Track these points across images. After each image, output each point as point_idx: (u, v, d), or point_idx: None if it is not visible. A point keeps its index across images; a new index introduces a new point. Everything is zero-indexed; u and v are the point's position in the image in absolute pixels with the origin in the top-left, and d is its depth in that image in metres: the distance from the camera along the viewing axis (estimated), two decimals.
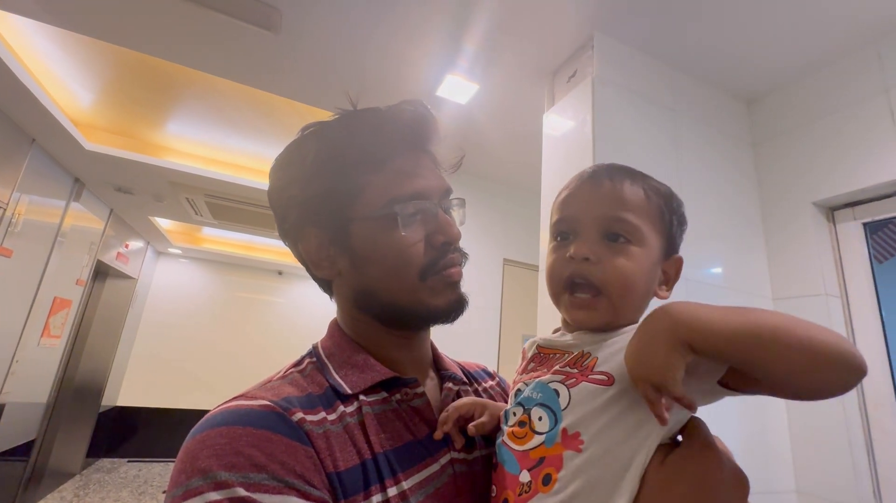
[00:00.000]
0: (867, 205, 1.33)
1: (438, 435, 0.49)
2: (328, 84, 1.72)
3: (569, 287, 0.50)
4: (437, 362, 0.60)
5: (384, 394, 0.49)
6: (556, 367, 0.47)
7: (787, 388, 0.39)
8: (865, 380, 1.23)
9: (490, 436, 0.53)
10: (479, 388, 0.62)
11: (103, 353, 3.89)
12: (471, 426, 0.51)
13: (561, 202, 0.55)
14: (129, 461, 4.17)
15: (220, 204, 2.85)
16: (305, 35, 1.47)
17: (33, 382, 2.74)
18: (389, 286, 0.51)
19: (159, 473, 3.92)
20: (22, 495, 2.82)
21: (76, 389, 3.67)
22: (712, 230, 1.40)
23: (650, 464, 0.40)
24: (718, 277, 1.38)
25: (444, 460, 0.48)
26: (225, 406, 0.42)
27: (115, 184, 2.73)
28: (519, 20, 1.36)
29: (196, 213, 3.10)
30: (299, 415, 0.41)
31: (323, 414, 0.44)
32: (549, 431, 0.44)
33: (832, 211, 1.40)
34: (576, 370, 0.46)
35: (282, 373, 0.50)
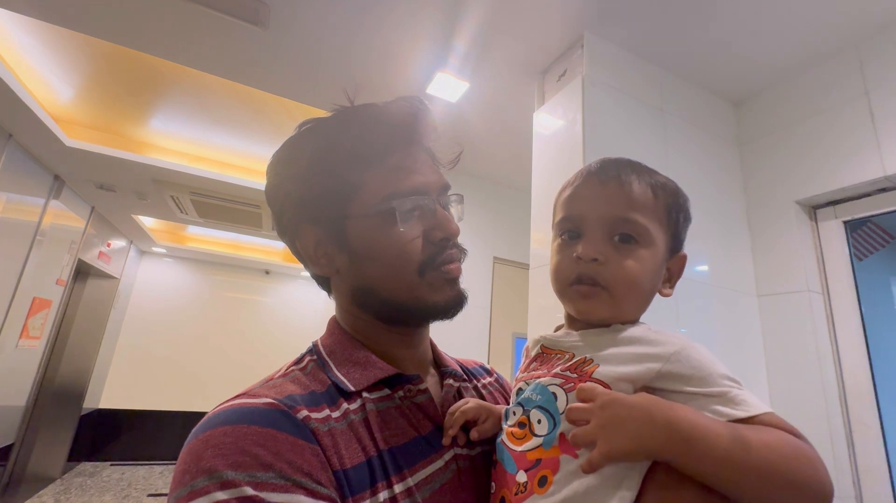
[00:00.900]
0: (848, 203, 1.36)
1: (447, 441, 0.49)
2: (317, 80, 1.70)
3: (574, 282, 0.50)
4: (436, 358, 0.60)
5: (387, 391, 0.49)
6: (557, 370, 0.48)
7: None
8: (846, 374, 1.27)
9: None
10: (479, 385, 0.62)
11: (85, 355, 3.79)
12: (473, 431, 0.51)
13: (566, 199, 0.54)
14: (112, 464, 4.08)
15: (206, 202, 2.81)
16: (294, 31, 1.45)
17: (11, 385, 2.66)
18: (388, 283, 0.50)
19: (143, 476, 3.85)
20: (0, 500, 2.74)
21: (56, 392, 3.58)
22: (699, 228, 1.41)
23: (657, 468, 0.40)
24: (705, 274, 1.40)
25: (447, 456, 0.48)
26: (227, 405, 0.41)
27: (97, 181, 2.66)
28: (509, 19, 1.36)
29: (181, 212, 3.04)
30: (304, 412, 0.41)
31: (327, 411, 0.43)
32: (547, 434, 0.44)
33: (814, 209, 1.44)
34: (575, 375, 0.46)
35: (283, 372, 0.49)
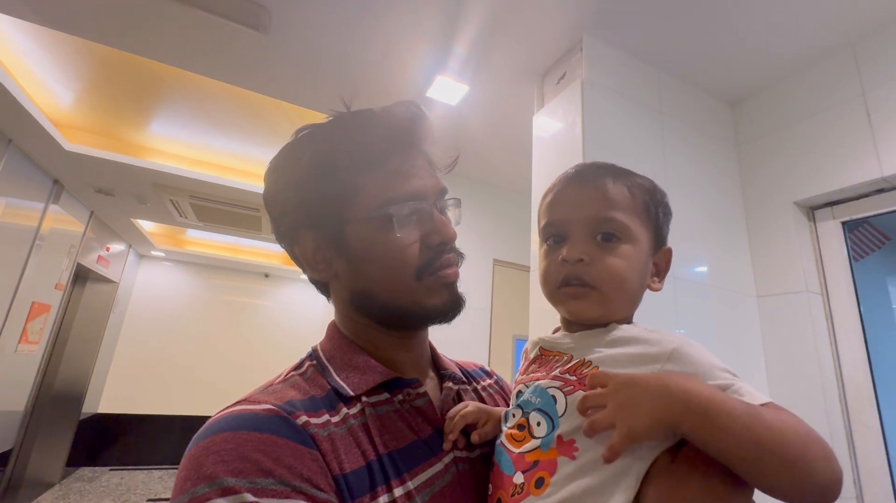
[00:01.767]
0: (845, 204, 1.37)
1: (447, 445, 0.49)
2: (317, 84, 1.70)
3: (563, 285, 0.51)
4: (435, 362, 0.60)
5: (386, 395, 0.49)
6: (556, 372, 0.48)
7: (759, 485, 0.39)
8: (846, 374, 1.27)
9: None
10: (478, 387, 0.63)
11: (84, 359, 3.79)
12: (474, 434, 0.51)
13: (548, 205, 0.55)
14: (111, 469, 4.07)
15: (205, 206, 2.81)
16: (294, 35, 1.46)
17: (10, 390, 2.65)
18: (386, 287, 0.51)
19: (142, 481, 3.83)
20: None
21: (55, 396, 3.57)
22: (697, 229, 1.43)
23: (657, 469, 0.40)
24: (703, 275, 1.41)
25: (447, 459, 0.48)
26: (228, 411, 0.42)
27: (96, 185, 2.66)
28: (508, 22, 1.37)
29: (180, 215, 3.05)
30: (303, 418, 0.41)
31: (326, 416, 0.44)
32: (546, 436, 0.44)
33: (812, 210, 1.44)
34: (574, 378, 0.46)
35: (282, 377, 0.49)
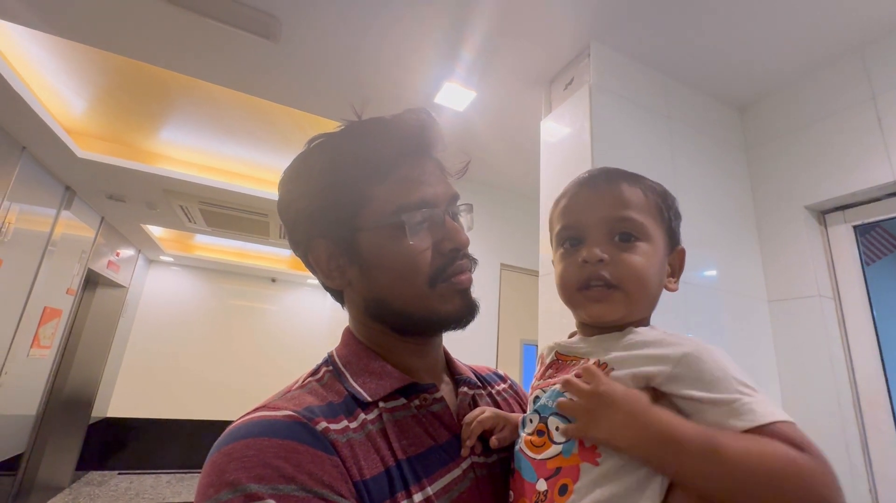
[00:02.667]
0: (857, 208, 1.36)
1: (465, 452, 0.49)
2: (326, 91, 1.72)
3: (583, 287, 0.51)
4: (450, 367, 0.60)
5: (403, 401, 0.49)
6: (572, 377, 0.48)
7: None
8: (860, 380, 1.26)
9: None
10: (493, 392, 0.63)
11: (93, 364, 3.81)
12: (493, 439, 0.51)
13: (562, 210, 0.55)
14: (119, 474, 4.08)
15: (214, 211, 2.83)
16: (304, 43, 1.47)
17: (22, 394, 2.68)
18: (399, 294, 0.51)
19: (151, 485, 3.85)
20: None
21: (65, 401, 3.60)
22: (707, 234, 1.43)
23: None
24: (714, 280, 1.40)
25: (465, 465, 0.49)
26: (248, 418, 0.42)
27: (108, 192, 2.70)
28: (516, 29, 1.38)
29: (190, 221, 3.07)
30: (323, 424, 0.42)
31: (345, 422, 0.44)
32: (567, 442, 0.44)
33: (823, 214, 1.44)
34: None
35: (300, 383, 0.50)
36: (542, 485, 0.44)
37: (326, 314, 4.96)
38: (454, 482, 0.46)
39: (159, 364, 4.44)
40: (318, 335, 4.98)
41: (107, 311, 3.91)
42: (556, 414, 0.46)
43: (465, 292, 0.53)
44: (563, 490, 0.42)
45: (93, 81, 1.95)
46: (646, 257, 0.50)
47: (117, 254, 3.71)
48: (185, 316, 4.66)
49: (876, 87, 1.30)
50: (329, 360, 0.54)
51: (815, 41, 1.35)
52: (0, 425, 2.41)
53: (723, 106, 1.64)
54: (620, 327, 0.50)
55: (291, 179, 0.55)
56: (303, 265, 0.57)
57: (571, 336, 0.56)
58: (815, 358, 1.31)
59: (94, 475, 3.97)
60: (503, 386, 0.67)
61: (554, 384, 0.49)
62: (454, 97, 1.70)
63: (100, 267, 3.36)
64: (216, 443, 0.40)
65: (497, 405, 0.60)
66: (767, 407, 0.41)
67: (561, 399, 0.45)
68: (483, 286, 2.30)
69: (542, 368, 0.55)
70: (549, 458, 0.45)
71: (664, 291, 0.54)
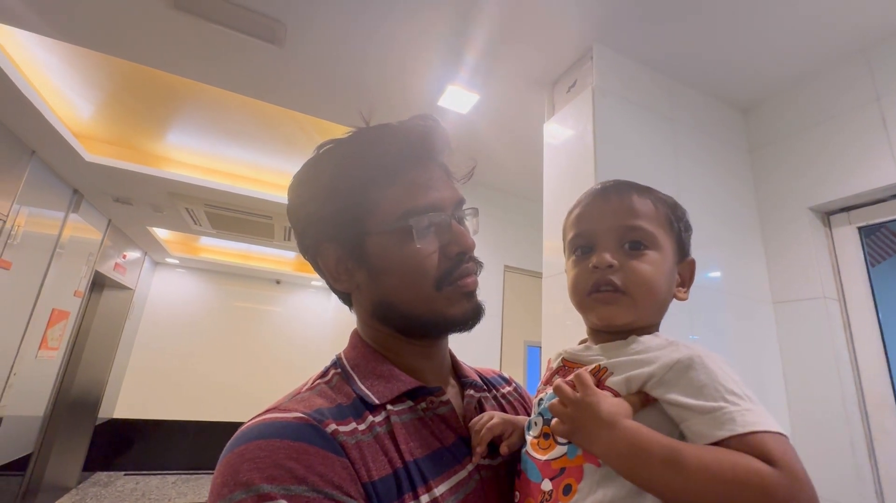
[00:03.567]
0: (861, 209, 1.36)
1: (476, 459, 0.50)
2: (331, 96, 1.73)
3: (593, 291, 0.52)
4: (456, 369, 0.61)
5: (410, 404, 0.50)
6: (562, 382, 0.49)
7: None
8: (865, 381, 1.26)
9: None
10: (498, 394, 0.64)
11: (100, 365, 3.85)
12: (503, 446, 0.52)
13: (575, 219, 0.57)
14: (125, 474, 4.11)
15: (220, 214, 2.86)
16: (309, 48, 1.49)
17: (30, 395, 2.71)
18: (406, 297, 0.52)
19: (157, 486, 3.87)
20: None
21: (72, 402, 3.63)
22: (711, 235, 1.43)
23: None
24: (718, 282, 1.40)
25: (471, 466, 0.49)
26: (259, 419, 0.43)
27: (115, 195, 2.73)
28: (519, 31, 1.39)
29: (195, 223, 3.10)
30: (332, 426, 0.42)
31: (354, 424, 0.45)
32: (571, 443, 0.45)
33: (828, 215, 1.43)
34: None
35: (309, 385, 0.51)
36: (546, 485, 0.45)
37: (330, 315, 4.98)
38: (460, 484, 0.47)
39: (165, 365, 4.47)
40: (323, 336, 5.00)
41: (113, 313, 3.95)
42: None
43: (471, 295, 0.54)
44: (568, 490, 0.43)
45: (100, 86, 1.97)
46: (654, 265, 0.51)
47: (124, 257, 3.74)
48: (190, 317, 4.69)
49: (880, 88, 1.30)
50: (337, 363, 0.54)
51: (819, 42, 1.35)
52: (8, 426, 2.44)
53: (726, 107, 1.64)
54: (625, 335, 0.51)
55: (301, 184, 0.56)
56: (307, 267, 0.58)
57: (581, 343, 0.57)
58: (820, 359, 1.31)
59: (101, 476, 4.00)
60: (508, 389, 0.67)
61: None
62: (457, 100, 1.71)
63: (107, 269, 3.39)
64: (229, 444, 0.41)
65: (502, 408, 0.61)
66: (751, 416, 0.40)
67: (552, 401, 0.47)
68: (486, 288, 2.30)
69: (549, 374, 0.56)
70: (554, 459, 0.46)
71: (674, 300, 0.55)
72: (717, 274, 1.41)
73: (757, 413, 0.41)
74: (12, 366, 2.35)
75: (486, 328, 2.26)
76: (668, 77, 1.52)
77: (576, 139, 1.39)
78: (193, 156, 2.51)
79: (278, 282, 5.10)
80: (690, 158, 1.48)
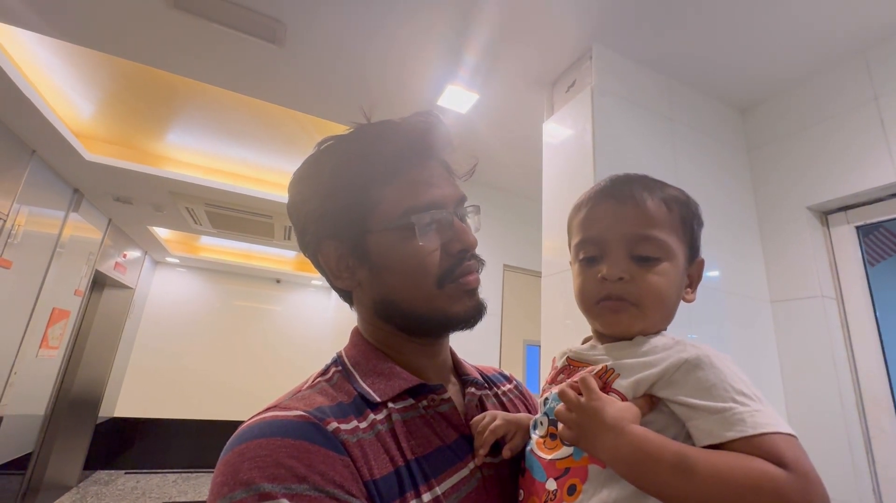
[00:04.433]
0: (859, 209, 1.36)
1: (479, 461, 0.50)
2: (331, 95, 1.74)
3: (601, 300, 0.51)
4: (457, 367, 0.61)
5: (411, 401, 0.50)
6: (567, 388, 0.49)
7: None
8: (863, 380, 1.26)
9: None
10: (499, 392, 0.64)
11: (100, 364, 3.85)
12: (506, 450, 0.51)
13: (582, 221, 0.55)
14: (126, 473, 4.12)
15: (220, 213, 2.86)
16: (309, 48, 1.49)
17: (31, 394, 2.71)
18: (408, 295, 0.51)
19: (157, 485, 3.88)
20: None
21: (73, 401, 3.63)
22: (710, 234, 1.41)
23: None
24: (716, 281, 1.40)
25: (472, 465, 0.49)
26: (260, 417, 0.43)
27: (115, 194, 2.73)
28: (518, 31, 1.39)
29: (195, 222, 3.10)
30: (333, 424, 0.42)
31: (355, 422, 0.44)
32: None
33: (826, 215, 1.44)
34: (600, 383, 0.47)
35: (310, 383, 0.50)
36: (551, 485, 0.45)
37: (331, 314, 4.98)
38: (462, 482, 0.47)
39: (165, 364, 4.48)
40: (323, 335, 5.00)
41: (114, 312, 3.95)
42: None
43: (473, 292, 0.54)
44: (572, 490, 0.43)
45: (101, 85, 1.97)
46: (666, 277, 0.50)
47: (124, 256, 3.75)
48: (190, 316, 4.70)
49: (878, 88, 1.31)
50: (338, 360, 0.54)
51: (817, 42, 1.35)
52: (9, 425, 2.44)
53: (725, 107, 1.65)
54: (633, 336, 0.50)
55: (301, 181, 0.56)
56: (307, 266, 0.58)
57: (585, 342, 0.57)
58: (818, 359, 1.32)
59: (102, 474, 4.01)
60: (509, 386, 0.67)
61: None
62: (457, 100, 1.71)
63: (107, 268, 3.40)
64: (229, 443, 0.41)
65: (503, 405, 0.61)
66: (761, 418, 0.40)
67: (557, 406, 0.46)
68: (486, 287, 2.29)
69: (554, 373, 0.55)
70: (560, 459, 0.46)
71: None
72: (715, 273, 1.41)
73: (767, 414, 0.40)
74: (13, 366, 2.35)
75: (485, 327, 2.26)
76: (667, 77, 1.52)
77: (575, 139, 1.39)
78: (194, 155, 2.52)
79: (278, 282, 5.11)
80: (689, 158, 1.48)
